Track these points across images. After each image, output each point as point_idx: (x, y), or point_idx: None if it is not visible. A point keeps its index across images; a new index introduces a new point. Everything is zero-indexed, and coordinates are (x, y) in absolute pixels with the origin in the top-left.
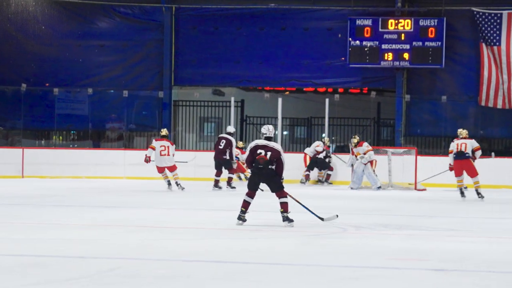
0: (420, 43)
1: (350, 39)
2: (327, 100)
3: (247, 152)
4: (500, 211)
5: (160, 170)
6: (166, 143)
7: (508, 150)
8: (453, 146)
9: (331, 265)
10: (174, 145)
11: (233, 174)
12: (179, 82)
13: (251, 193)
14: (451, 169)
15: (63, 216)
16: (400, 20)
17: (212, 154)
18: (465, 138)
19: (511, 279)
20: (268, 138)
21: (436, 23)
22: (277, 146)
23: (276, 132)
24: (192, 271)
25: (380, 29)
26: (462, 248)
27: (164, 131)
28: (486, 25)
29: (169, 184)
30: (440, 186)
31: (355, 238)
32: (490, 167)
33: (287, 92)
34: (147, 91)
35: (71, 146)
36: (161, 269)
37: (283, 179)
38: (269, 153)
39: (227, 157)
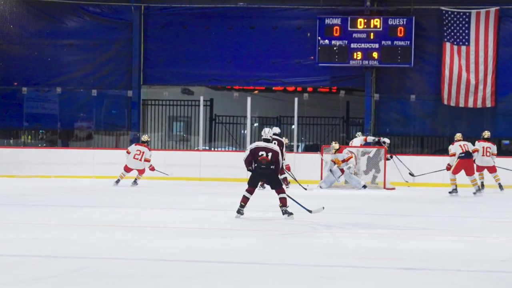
0: (389, 42)
1: (319, 38)
2: (296, 99)
3: (247, 152)
4: (471, 209)
5: (127, 170)
6: (143, 148)
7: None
8: (456, 147)
9: (304, 264)
10: (150, 152)
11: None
12: (148, 81)
13: (251, 190)
14: (448, 168)
15: (32, 215)
16: (369, 19)
17: (182, 153)
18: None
19: (482, 277)
20: (266, 140)
21: (405, 22)
22: (275, 147)
23: (245, 131)
24: (164, 271)
25: (349, 28)
26: (434, 247)
27: (144, 137)
28: (454, 24)
29: (117, 181)
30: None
31: (326, 237)
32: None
33: (256, 91)
34: (116, 90)
35: (40, 145)
36: (132, 268)
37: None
38: (270, 154)
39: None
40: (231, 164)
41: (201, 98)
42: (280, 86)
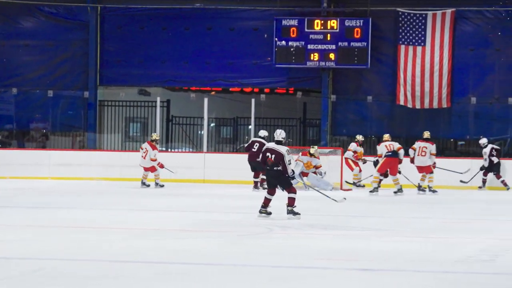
0: (346, 44)
1: (276, 39)
2: (253, 100)
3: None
4: (425, 210)
5: (144, 169)
6: (147, 146)
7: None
8: (382, 148)
9: (259, 265)
10: (155, 151)
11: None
12: (104, 82)
13: (271, 191)
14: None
15: None
16: (326, 21)
17: (139, 154)
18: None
19: (437, 278)
20: (278, 142)
21: (361, 24)
22: (281, 149)
23: (202, 132)
24: (121, 272)
25: (306, 29)
26: (389, 247)
27: (153, 135)
28: (411, 26)
29: (143, 183)
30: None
31: (283, 238)
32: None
33: (213, 92)
34: (72, 91)
35: None
36: (87, 270)
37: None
38: (273, 156)
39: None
40: (188, 165)
41: (158, 99)
42: (237, 87)
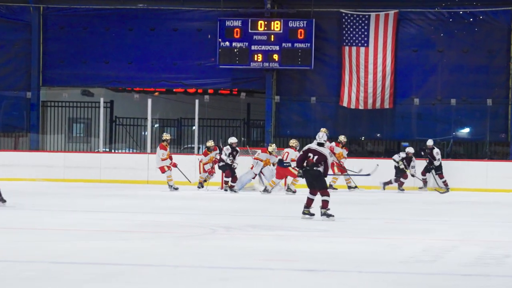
0: (290, 45)
1: (220, 40)
2: (197, 101)
3: (300, 153)
4: (370, 211)
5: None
6: (159, 147)
7: (376, 150)
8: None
9: (200, 266)
10: (162, 150)
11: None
12: (47, 82)
13: (314, 191)
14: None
15: None
16: (270, 22)
17: (82, 155)
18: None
19: (378, 279)
20: (320, 144)
21: (305, 25)
22: (325, 151)
23: (146, 133)
24: (60, 273)
25: (249, 30)
26: (331, 248)
27: (164, 135)
28: (354, 26)
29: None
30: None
31: (225, 239)
32: (357, 169)
33: (157, 93)
34: (14, 91)
35: None
36: (28, 271)
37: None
38: (316, 157)
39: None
40: (132, 166)
41: (101, 100)
42: (181, 87)
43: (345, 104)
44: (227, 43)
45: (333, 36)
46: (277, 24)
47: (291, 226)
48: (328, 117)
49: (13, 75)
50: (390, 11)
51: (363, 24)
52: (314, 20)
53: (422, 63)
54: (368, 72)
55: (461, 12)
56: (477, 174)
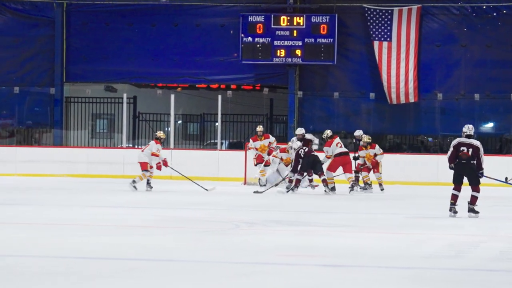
0: (312, 40)
1: (243, 35)
2: (219, 97)
3: (451, 149)
4: (392, 206)
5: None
6: (152, 142)
7: (400, 145)
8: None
9: (222, 261)
10: (158, 146)
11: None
12: (70, 78)
13: (457, 187)
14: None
15: None
16: (292, 17)
17: (105, 150)
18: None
19: (401, 274)
20: (468, 136)
21: (328, 20)
22: (476, 143)
23: (169, 129)
24: (82, 268)
25: (272, 26)
26: (355, 243)
27: (158, 133)
28: (377, 21)
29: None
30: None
31: (248, 234)
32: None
33: (180, 89)
34: (38, 87)
35: None
36: (52, 266)
37: (482, 173)
38: (470, 150)
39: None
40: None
41: (125, 96)
42: (203, 83)
43: (394, 101)
44: (250, 38)
45: (356, 30)
46: (299, 19)
47: (315, 221)
48: (351, 113)
49: (37, 71)
50: (413, 5)
51: (386, 19)
52: (337, 15)
53: (446, 58)
54: (391, 66)
55: (484, 7)
56: (501, 169)
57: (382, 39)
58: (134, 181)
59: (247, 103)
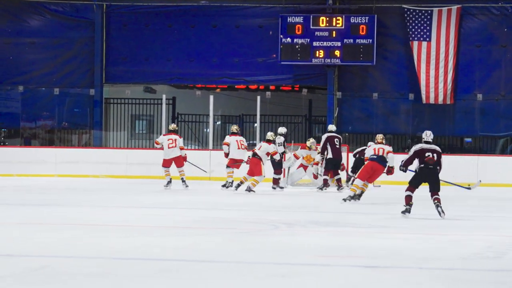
0: (351, 41)
1: (282, 36)
2: (258, 98)
3: (411, 153)
4: (427, 207)
5: (166, 163)
6: (174, 136)
7: (439, 146)
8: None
9: (257, 262)
10: (182, 138)
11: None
12: (110, 79)
13: (413, 189)
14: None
15: None
16: (331, 18)
17: (145, 152)
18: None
19: (439, 275)
20: (427, 142)
21: (367, 21)
22: (438, 148)
23: (208, 130)
24: (120, 269)
25: (311, 27)
26: (391, 244)
27: (172, 126)
28: (416, 22)
29: (169, 182)
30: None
31: (284, 235)
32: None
33: (219, 90)
34: (78, 88)
35: (2, 144)
36: (90, 267)
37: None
38: (435, 155)
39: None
40: (194, 163)
41: (164, 97)
42: (242, 84)
43: (431, 101)
44: (289, 39)
45: (396, 31)
46: (338, 20)
47: (351, 222)
48: (390, 113)
49: (77, 72)
50: (453, 6)
51: (425, 19)
52: (376, 15)
53: (485, 58)
54: (430, 67)
55: None
56: None
57: (421, 39)
58: (182, 180)
59: (285, 104)
